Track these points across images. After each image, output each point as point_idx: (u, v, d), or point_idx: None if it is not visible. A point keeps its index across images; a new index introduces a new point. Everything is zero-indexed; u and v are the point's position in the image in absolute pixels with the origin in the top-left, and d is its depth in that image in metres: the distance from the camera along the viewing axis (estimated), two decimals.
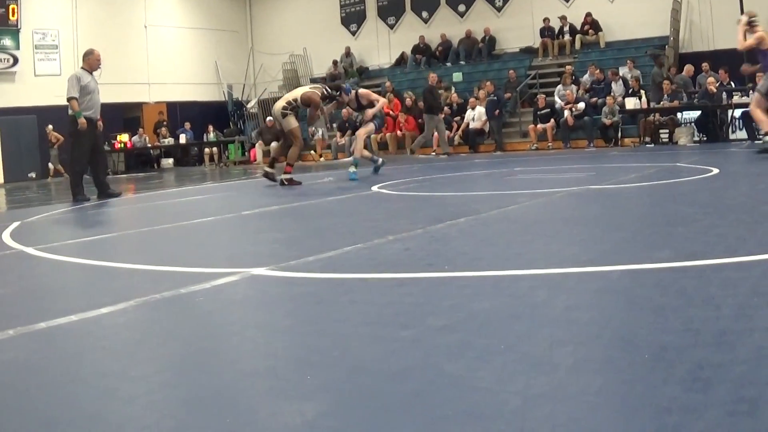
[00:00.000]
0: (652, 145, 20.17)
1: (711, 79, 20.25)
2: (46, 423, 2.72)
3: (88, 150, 14.10)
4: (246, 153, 30.12)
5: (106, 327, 4.09)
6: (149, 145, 29.51)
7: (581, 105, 22.39)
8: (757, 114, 14.31)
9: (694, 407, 2.42)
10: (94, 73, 14.34)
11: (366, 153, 15.55)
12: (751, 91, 18.15)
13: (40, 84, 26.83)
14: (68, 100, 13.86)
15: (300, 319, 4.05)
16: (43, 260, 6.71)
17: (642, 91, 21.57)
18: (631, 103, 21.03)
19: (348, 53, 31.55)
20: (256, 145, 28.61)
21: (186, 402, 2.88)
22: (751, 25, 14.08)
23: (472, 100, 24.66)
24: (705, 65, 22.11)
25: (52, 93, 26.73)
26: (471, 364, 3.02)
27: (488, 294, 4.30)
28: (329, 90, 15.53)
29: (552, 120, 22.95)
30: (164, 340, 3.79)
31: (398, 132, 25.55)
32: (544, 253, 5.58)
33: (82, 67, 14.27)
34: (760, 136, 15.29)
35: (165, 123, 30.16)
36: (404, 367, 3.07)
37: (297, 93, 15.07)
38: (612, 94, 22.34)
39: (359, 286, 4.83)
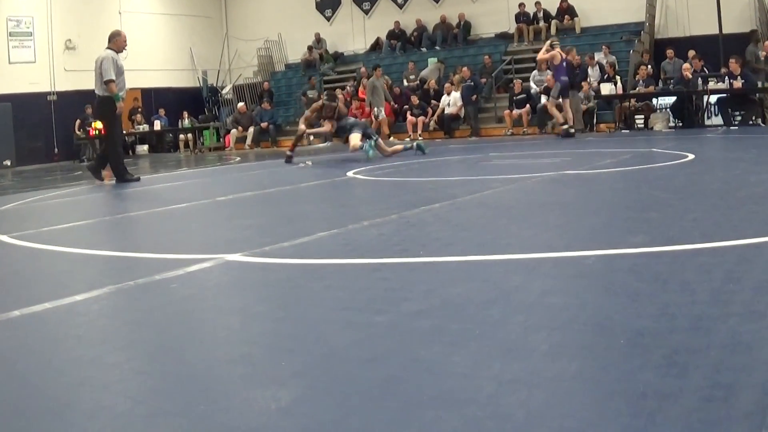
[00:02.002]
0: (628, 131, 20.19)
1: (686, 65, 20.30)
2: (19, 411, 2.69)
3: (121, 130, 14.17)
4: (221, 139, 30.01)
5: (80, 314, 4.06)
6: (123, 132, 29.29)
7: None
8: (554, 111, 19.75)
9: (670, 393, 2.41)
10: (120, 54, 14.31)
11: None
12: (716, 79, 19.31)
13: (14, 72, 26.61)
14: (107, 83, 13.78)
15: (274, 305, 4.04)
16: (17, 248, 6.66)
17: (617, 77, 21.59)
18: (606, 89, 21.02)
19: (318, 39, 31.43)
20: (231, 131, 28.50)
21: (159, 389, 2.86)
22: (552, 46, 19.23)
23: (447, 85, 24.60)
24: (670, 52, 22.18)
25: (27, 80, 26.57)
26: (445, 350, 3.01)
27: (463, 279, 4.30)
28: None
29: (527, 105, 22.94)
30: (138, 327, 3.77)
31: (373, 118, 25.47)
32: (519, 238, 5.58)
33: (109, 48, 14.22)
34: (571, 130, 19.23)
35: (139, 109, 29.98)
36: (379, 352, 3.06)
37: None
38: (588, 79, 22.33)
39: (334, 271, 4.82)
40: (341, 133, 15.75)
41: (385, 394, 2.61)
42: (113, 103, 13.93)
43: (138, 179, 14.35)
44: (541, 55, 20.04)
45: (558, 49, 19.23)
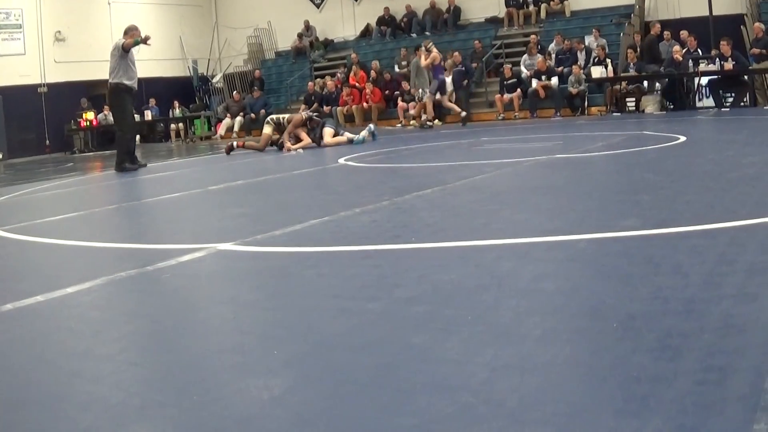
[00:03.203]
0: (619, 114, 20.17)
1: (677, 47, 20.26)
2: (11, 405, 2.69)
3: (133, 118, 15.18)
4: (212, 128, 29.92)
5: (72, 306, 4.06)
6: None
7: (554, 81, 22.27)
8: (429, 107, 21.44)
9: (663, 376, 2.41)
10: (134, 49, 14.63)
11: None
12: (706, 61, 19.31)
13: (4, 64, 26.50)
14: (125, 47, 14.27)
15: (266, 294, 4.03)
16: (9, 240, 6.65)
17: (608, 60, 21.54)
18: (597, 72, 20.99)
19: (308, 26, 31.34)
20: (223, 120, 28.41)
21: (152, 380, 2.86)
22: (427, 50, 20.72)
23: None
24: (667, 33, 22.09)
25: (17, 73, 26.46)
26: (438, 336, 3.01)
27: (455, 265, 4.29)
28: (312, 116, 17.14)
29: (518, 90, 22.91)
30: (130, 318, 3.76)
31: (364, 104, 25.45)
32: (511, 222, 5.58)
33: (124, 39, 14.46)
34: (429, 123, 21.44)
35: None
36: (371, 339, 3.06)
37: (286, 115, 17.35)
38: (578, 63, 22.29)
39: (326, 259, 4.82)
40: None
41: (378, 381, 2.61)
42: (123, 93, 14.35)
43: (144, 165, 14.98)
44: (423, 63, 21.08)
45: (435, 51, 21.07)
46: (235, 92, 29.42)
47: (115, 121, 15.20)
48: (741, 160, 8.21)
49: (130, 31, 14.54)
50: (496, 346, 2.85)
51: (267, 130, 16.86)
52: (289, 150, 15.84)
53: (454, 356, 2.78)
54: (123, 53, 14.25)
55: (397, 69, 26.41)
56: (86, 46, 27.74)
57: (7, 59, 26.64)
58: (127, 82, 14.30)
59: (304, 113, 17.05)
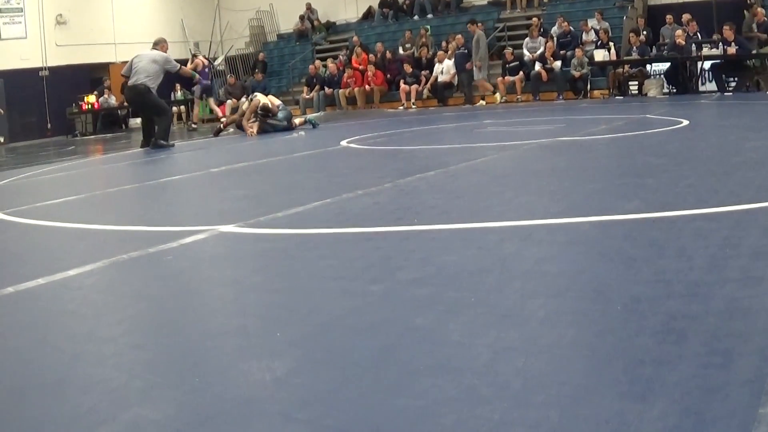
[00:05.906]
0: (622, 97, 20.13)
1: (679, 32, 20.19)
2: (13, 388, 2.68)
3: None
4: (213, 111, 29.81)
5: (74, 289, 4.05)
6: (116, 106, 29.11)
7: (558, 63, 22.18)
8: (196, 110, 24.28)
9: (668, 359, 2.40)
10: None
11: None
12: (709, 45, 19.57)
13: (5, 48, 26.44)
14: (180, 71, 17.24)
15: (269, 276, 4.03)
16: (10, 224, 6.64)
17: (611, 43, 21.47)
18: (600, 55, 20.94)
19: (310, 9, 31.24)
20: (226, 102, 28.31)
21: (154, 362, 2.85)
22: (194, 56, 21.87)
23: (440, 53, 24.48)
24: (669, 17, 22.01)
25: (19, 56, 26.41)
26: (441, 318, 3.00)
27: (458, 247, 4.29)
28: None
29: (520, 72, 22.83)
30: (132, 301, 3.76)
31: (366, 86, 25.39)
32: (514, 205, 5.56)
33: (159, 50, 16.27)
34: (194, 125, 23.84)
35: None
36: (374, 321, 3.05)
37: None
38: (581, 45, 22.20)
39: (328, 241, 4.82)
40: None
41: (381, 363, 2.60)
42: (148, 92, 15.47)
43: (173, 145, 15.90)
44: (188, 68, 21.19)
45: (200, 58, 22.23)
46: (229, 76, 29.17)
47: (153, 111, 16.05)
48: (744, 144, 8.20)
49: (160, 43, 16.34)
50: (500, 328, 2.85)
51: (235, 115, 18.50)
52: (252, 134, 16.63)
53: (457, 338, 2.78)
54: (166, 65, 15.92)
55: (401, 51, 26.31)
56: (87, 30, 27.69)
57: (9, 43, 26.58)
58: (151, 86, 15.45)
59: (258, 101, 17.89)
